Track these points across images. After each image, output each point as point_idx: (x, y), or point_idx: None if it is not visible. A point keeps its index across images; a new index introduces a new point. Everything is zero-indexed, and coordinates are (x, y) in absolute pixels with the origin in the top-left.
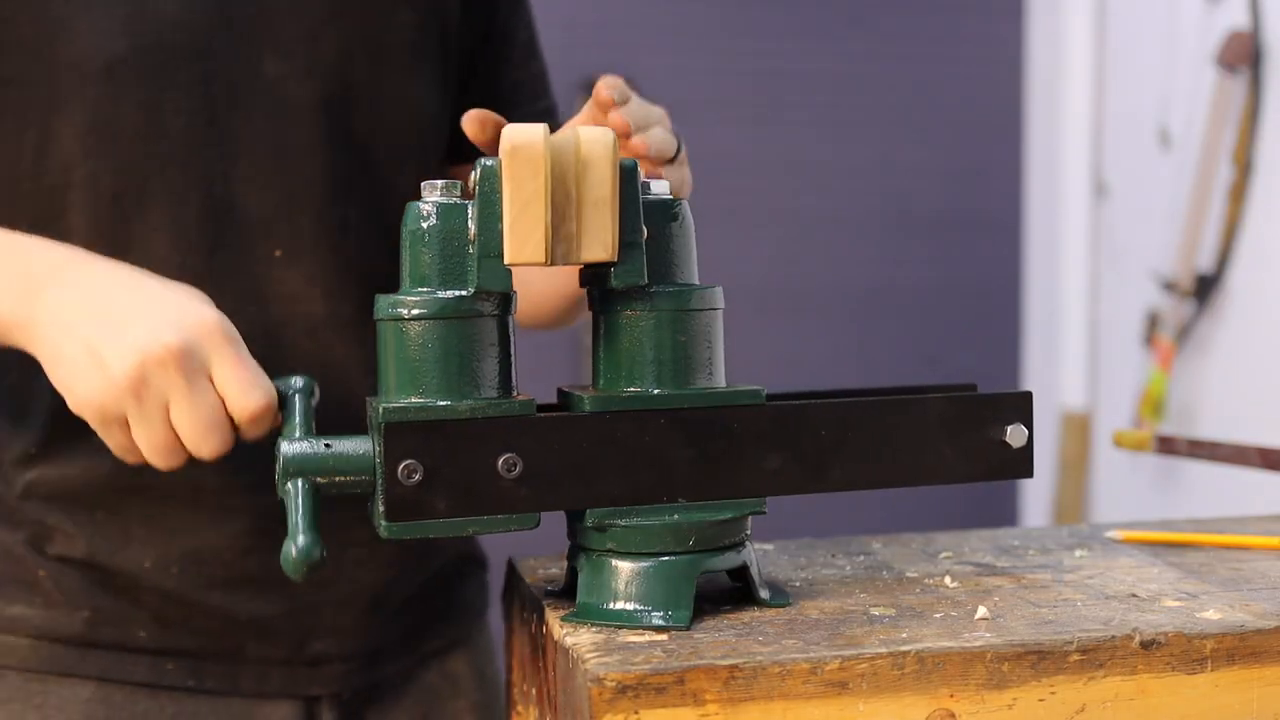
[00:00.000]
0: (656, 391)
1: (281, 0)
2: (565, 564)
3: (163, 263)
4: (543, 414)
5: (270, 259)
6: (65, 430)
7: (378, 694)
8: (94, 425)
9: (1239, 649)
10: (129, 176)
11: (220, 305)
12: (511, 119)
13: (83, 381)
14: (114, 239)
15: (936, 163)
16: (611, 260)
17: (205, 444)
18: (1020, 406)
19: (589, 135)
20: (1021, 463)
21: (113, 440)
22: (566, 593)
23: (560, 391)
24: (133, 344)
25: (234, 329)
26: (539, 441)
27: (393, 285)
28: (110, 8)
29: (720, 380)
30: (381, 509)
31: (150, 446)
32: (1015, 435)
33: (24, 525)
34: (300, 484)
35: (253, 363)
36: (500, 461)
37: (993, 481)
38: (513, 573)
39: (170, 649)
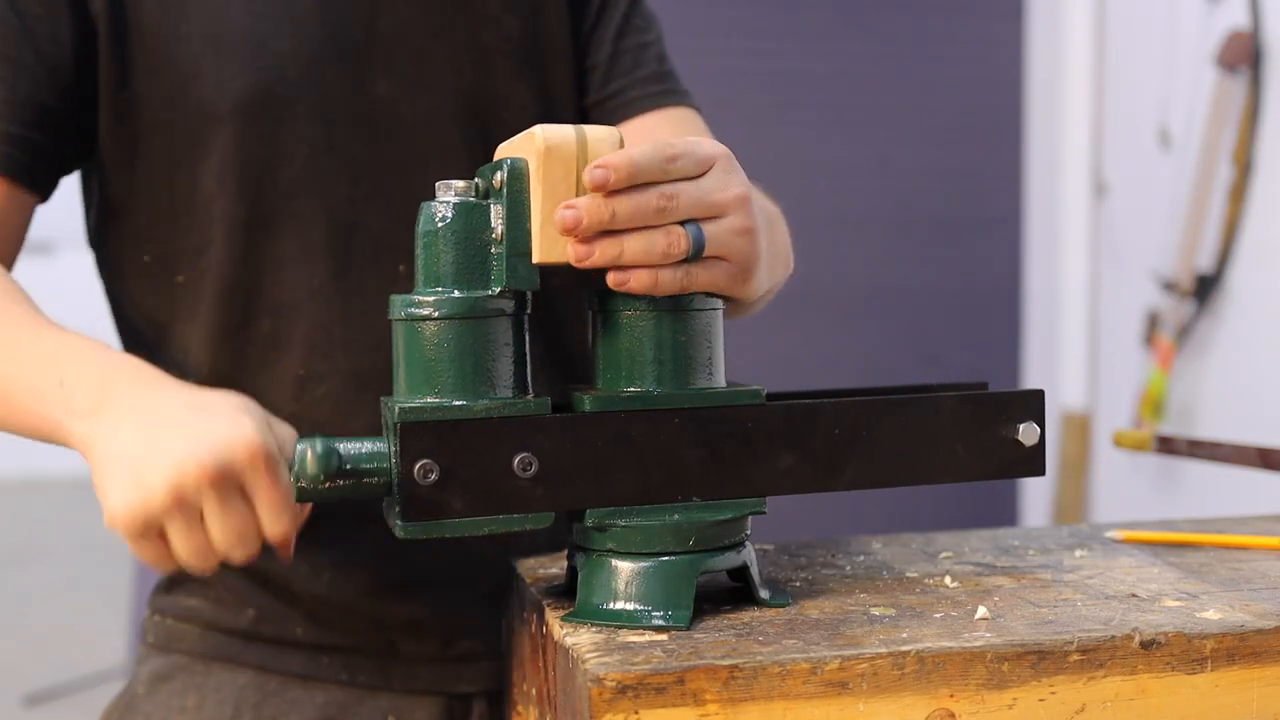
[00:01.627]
0: (657, 391)
1: (389, 22)
2: (565, 564)
3: (294, 286)
4: (557, 414)
5: (395, 274)
6: None
7: None
8: (128, 536)
9: (1239, 649)
10: (257, 207)
11: (350, 323)
12: (608, 91)
13: (121, 495)
14: (248, 266)
15: (937, 163)
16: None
17: (236, 552)
18: (1033, 404)
19: (596, 135)
20: (1033, 461)
21: (146, 551)
22: (566, 593)
23: (558, 390)
24: (171, 463)
25: (274, 448)
26: (554, 441)
27: None
28: (231, 51)
29: (720, 380)
30: (398, 509)
31: (187, 551)
32: (1027, 433)
33: None
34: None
35: (286, 483)
36: (516, 461)
37: (1003, 480)
38: (513, 573)
39: (325, 645)
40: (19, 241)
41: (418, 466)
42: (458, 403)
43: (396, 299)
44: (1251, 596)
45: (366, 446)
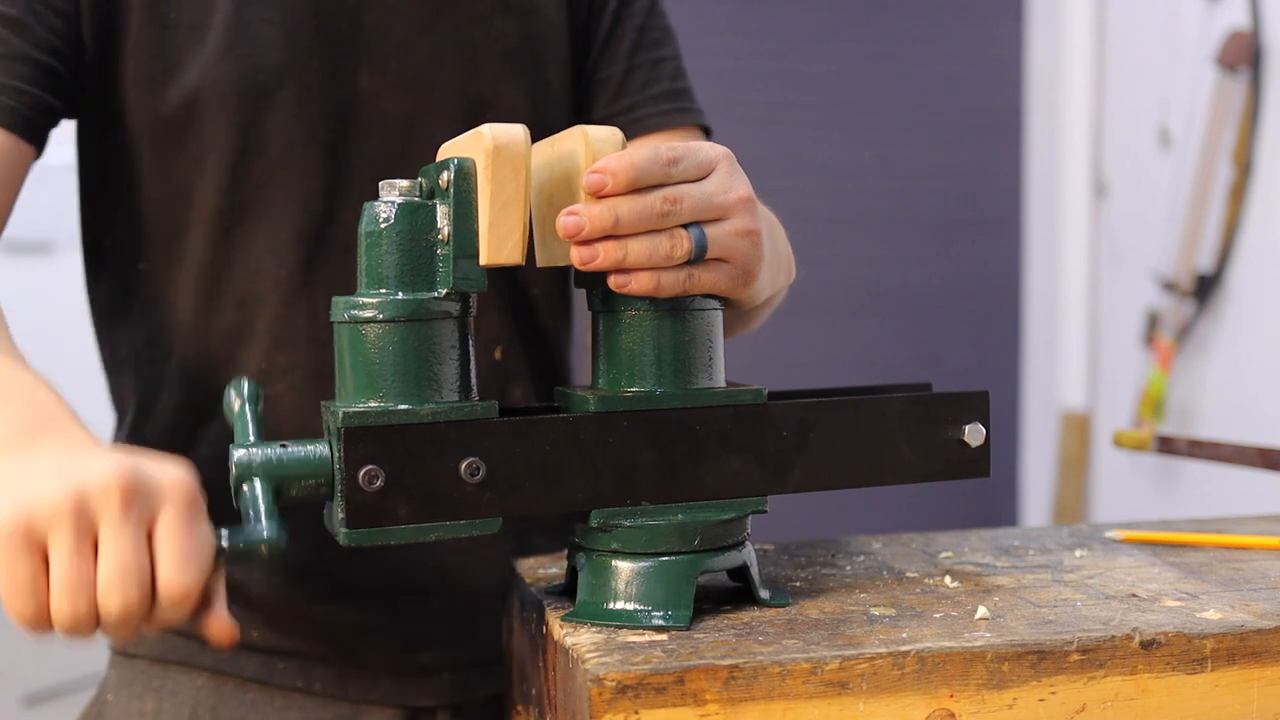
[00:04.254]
0: (658, 391)
1: (375, 15)
2: (565, 564)
3: (264, 275)
4: (505, 418)
5: None
6: (179, 443)
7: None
8: (5, 545)
9: (1239, 649)
10: (232, 195)
11: (316, 317)
12: (620, 107)
13: (13, 496)
14: (221, 255)
15: (937, 163)
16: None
17: (116, 595)
18: (978, 406)
19: (598, 135)
20: (979, 462)
21: (18, 569)
22: (566, 593)
23: (559, 391)
24: (82, 474)
25: (201, 500)
26: (501, 445)
27: (491, 291)
28: (215, 36)
29: (720, 380)
30: (341, 515)
31: (64, 577)
32: (973, 434)
33: None
34: (258, 482)
35: (202, 537)
36: (463, 466)
37: (951, 481)
38: (513, 573)
39: (281, 649)
40: (15, 195)
41: (362, 473)
42: (403, 407)
43: (339, 300)
44: (1251, 596)
45: (304, 450)
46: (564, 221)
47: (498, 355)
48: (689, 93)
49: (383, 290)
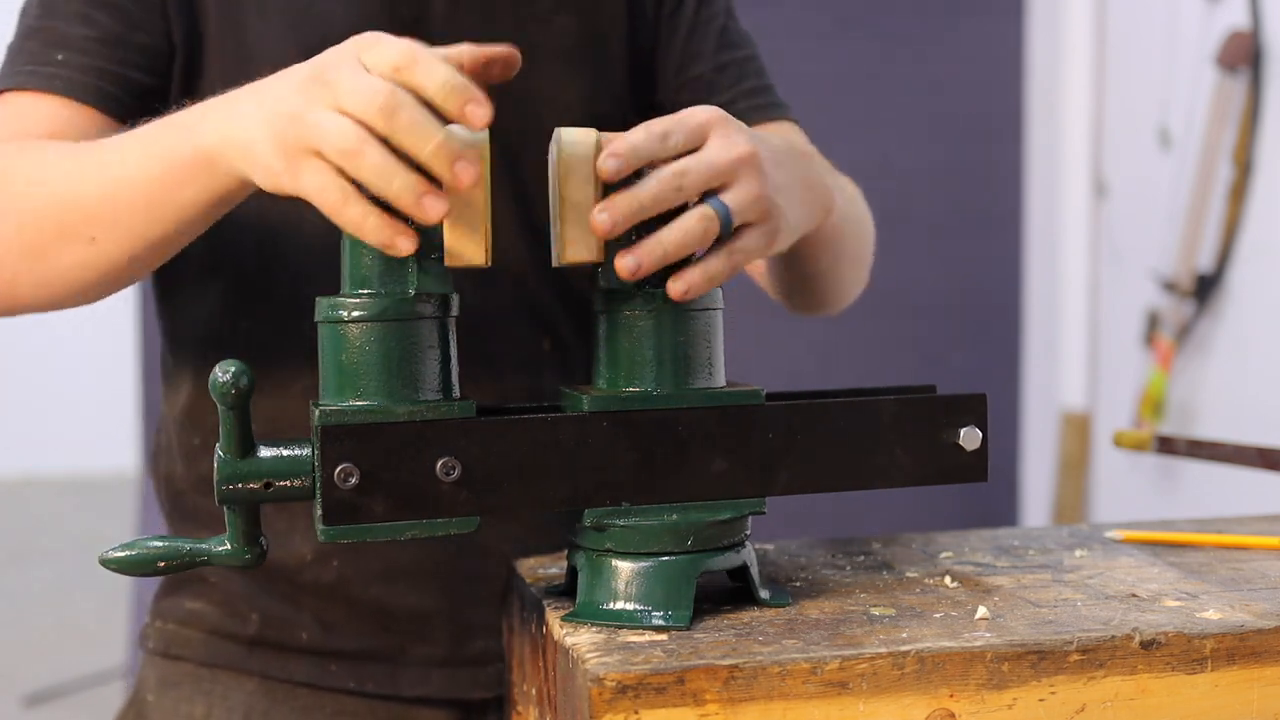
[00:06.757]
0: (654, 392)
1: (441, 4)
2: (565, 564)
3: (317, 256)
4: (482, 417)
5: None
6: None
7: None
8: (276, 150)
9: (1239, 649)
10: None
11: None
12: (717, 104)
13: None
14: (275, 234)
15: (937, 163)
16: (596, 261)
17: (369, 103)
18: (975, 409)
19: (570, 138)
20: (975, 466)
21: (309, 175)
22: (566, 593)
23: (562, 391)
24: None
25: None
26: (477, 445)
27: (534, 285)
28: (279, 12)
29: (720, 380)
30: (319, 512)
31: (332, 132)
32: (969, 438)
33: (199, 521)
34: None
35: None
36: (438, 465)
37: (946, 485)
38: (513, 573)
39: (332, 650)
40: None
41: (338, 470)
42: (380, 406)
43: (321, 300)
44: (1251, 596)
45: (290, 450)
46: (596, 220)
47: (547, 346)
48: (775, 89)
49: (363, 291)
